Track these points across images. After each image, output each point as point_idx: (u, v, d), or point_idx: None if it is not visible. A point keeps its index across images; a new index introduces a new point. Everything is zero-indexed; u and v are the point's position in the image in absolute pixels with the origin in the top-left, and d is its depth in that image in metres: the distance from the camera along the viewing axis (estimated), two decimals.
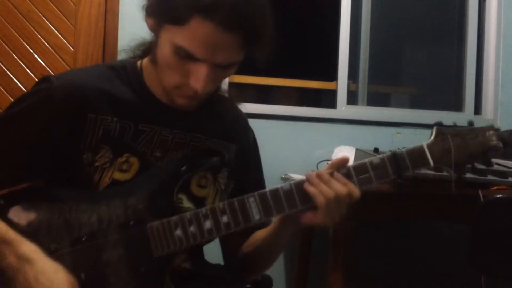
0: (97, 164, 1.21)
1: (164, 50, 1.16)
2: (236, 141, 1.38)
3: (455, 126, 1.19)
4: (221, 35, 1.10)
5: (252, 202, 1.16)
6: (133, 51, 1.34)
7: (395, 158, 1.16)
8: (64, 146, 1.20)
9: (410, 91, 3.70)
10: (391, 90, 3.70)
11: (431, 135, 1.19)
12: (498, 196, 1.91)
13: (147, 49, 1.31)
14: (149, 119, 1.26)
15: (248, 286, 1.48)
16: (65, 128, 1.20)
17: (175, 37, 1.13)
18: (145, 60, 1.30)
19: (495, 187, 2.14)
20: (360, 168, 1.16)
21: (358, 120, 3.02)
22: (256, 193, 1.16)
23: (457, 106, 3.29)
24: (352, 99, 3.17)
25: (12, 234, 1.14)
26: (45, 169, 1.22)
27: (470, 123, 1.20)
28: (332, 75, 3.12)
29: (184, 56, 1.14)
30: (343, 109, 3.05)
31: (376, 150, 2.20)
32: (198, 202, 1.27)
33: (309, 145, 2.92)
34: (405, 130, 3.03)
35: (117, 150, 1.22)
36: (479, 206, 1.88)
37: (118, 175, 1.22)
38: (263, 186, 1.45)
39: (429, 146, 1.17)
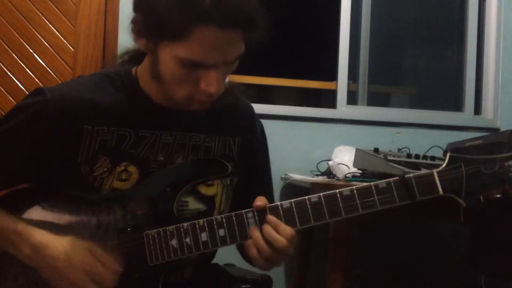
0: (95, 174, 1.21)
1: (168, 66, 1.14)
2: (240, 134, 1.36)
3: (472, 154, 1.14)
4: (225, 35, 1.10)
5: (250, 217, 1.15)
6: (120, 57, 1.34)
7: (403, 183, 1.13)
8: (61, 158, 1.20)
9: (410, 91, 3.70)
10: (391, 90, 3.70)
11: (444, 161, 1.14)
12: (498, 196, 1.90)
13: (133, 56, 1.31)
14: (149, 124, 1.25)
15: (248, 286, 1.48)
16: (61, 141, 1.19)
17: (178, 51, 1.10)
18: (140, 67, 1.29)
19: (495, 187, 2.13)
20: (364, 192, 1.14)
21: (358, 120, 3.02)
22: (255, 208, 1.16)
23: (457, 106, 3.29)
24: (352, 99, 3.17)
25: (21, 225, 1.16)
26: (40, 182, 1.23)
27: (490, 151, 1.15)
28: (332, 75, 3.12)
29: (191, 66, 1.12)
30: (343, 109, 3.05)
31: (376, 150, 2.20)
32: (208, 200, 1.28)
33: (309, 145, 2.92)
34: (405, 130, 3.03)
35: (115, 160, 1.22)
36: (479, 206, 1.88)
37: (117, 184, 1.22)
38: (270, 179, 1.45)
39: (439, 173, 1.13)
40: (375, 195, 1.13)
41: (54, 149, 1.19)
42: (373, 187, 1.13)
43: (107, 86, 1.26)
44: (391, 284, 2.99)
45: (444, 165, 1.14)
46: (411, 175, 1.14)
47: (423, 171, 1.16)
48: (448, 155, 1.14)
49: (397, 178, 1.13)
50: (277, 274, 2.83)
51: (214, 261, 1.43)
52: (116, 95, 1.25)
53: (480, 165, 1.13)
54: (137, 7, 1.17)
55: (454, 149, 1.14)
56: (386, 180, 1.14)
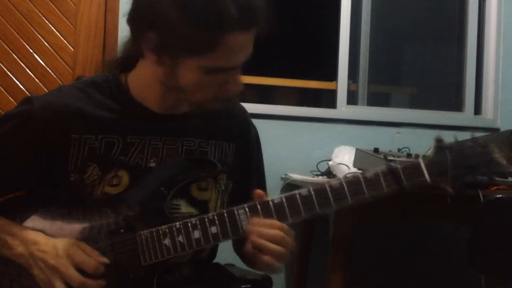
0: (86, 182, 1.21)
1: (190, 76, 1.14)
2: (235, 139, 1.35)
3: (456, 140, 1.16)
4: (248, 36, 1.13)
5: (242, 214, 1.16)
6: (110, 64, 1.33)
7: (390, 173, 1.15)
8: (51, 167, 1.20)
9: (410, 91, 3.70)
10: (391, 90, 3.70)
11: (430, 149, 1.17)
12: (498, 196, 1.90)
13: (123, 63, 1.29)
14: (137, 130, 1.24)
15: (248, 286, 1.47)
16: (49, 150, 1.19)
17: (203, 61, 1.12)
18: (133, 73, 1.27)
19: (495, 187, 2.14)
20: (352, 183, 1.16)
21: (358, 120, 3.02)
22: (246, 204, 1.16)
23: (457, 106, 3.29)
24: (352, 99, 3.17)
25: (14, 227, 1.18)
26: (31, 190, 1.23)
27: (473, 136, 1.17)
28: (332, 75, 3.12)
29: (216, 71, 1.14)
30: (343, 109, 3.05)
31: (376, 150, 2.20)
32: (200, 205, 1.27)
33: (309, 145, 2.92)
34: (405, 130, 3.03)
35: (104, 167, 1.21)
36: (479, 206, 1.88)
37: (108, 189, 1.22)
38: (264, 184, 1.44)
39: (425, 160, 1.15)
40: (363, 185, 1.15)
41: (43, 158, 1.20)
42: (361, 178, 1.16)
43: (95, 94, 1.25)
44: (391, 284, 2.99)
45: (429, 152, 1.16)
46: (398, 164, 1.16)
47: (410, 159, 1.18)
48: (434, 142, 1.16)
49: (384, 167, 1.16)
50: (277, 274, 2.83)
51: (215, 261, 1.42)
52: (103, 102, 1.24)
53: (464, 148, 1.14)
54: (147, 25, 1.13)
55: (439, 138, 1.17)
56: (374, 170, 1.16)
